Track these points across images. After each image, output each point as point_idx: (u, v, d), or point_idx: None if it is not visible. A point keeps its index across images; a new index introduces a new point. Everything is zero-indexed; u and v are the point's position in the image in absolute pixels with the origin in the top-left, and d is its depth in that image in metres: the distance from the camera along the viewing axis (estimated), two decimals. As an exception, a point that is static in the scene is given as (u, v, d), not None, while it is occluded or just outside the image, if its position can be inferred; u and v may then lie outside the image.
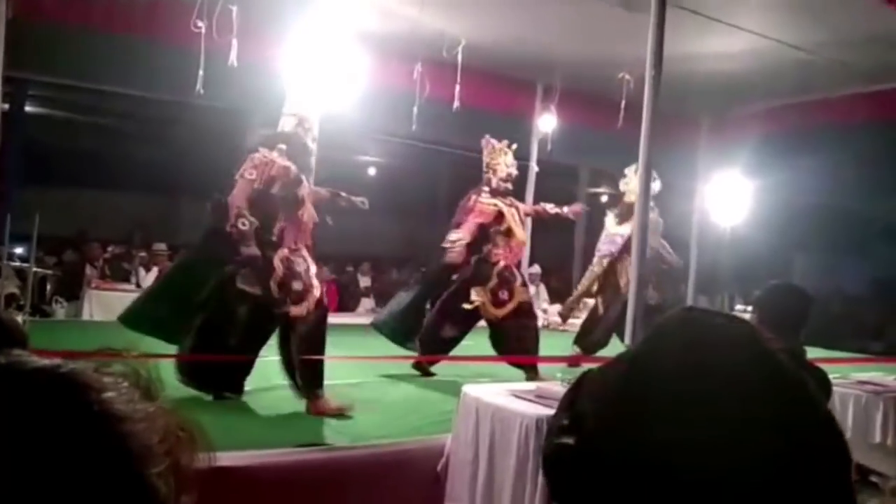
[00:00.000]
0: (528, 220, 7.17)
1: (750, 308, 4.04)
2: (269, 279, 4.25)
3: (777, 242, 11.84)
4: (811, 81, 8.22)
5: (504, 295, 5.75)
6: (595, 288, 6.77)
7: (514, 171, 6.09)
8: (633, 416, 0.57)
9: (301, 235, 4.44)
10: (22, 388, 0.51)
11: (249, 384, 4.62)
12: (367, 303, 11.01)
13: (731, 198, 9.46)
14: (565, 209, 6.39)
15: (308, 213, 4.47)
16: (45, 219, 7.02)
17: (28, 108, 10.27)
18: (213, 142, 10.61)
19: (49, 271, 8.61)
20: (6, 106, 9.90)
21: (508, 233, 5.87)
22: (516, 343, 5.70)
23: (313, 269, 4.50)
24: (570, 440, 0.60)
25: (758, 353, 0.60)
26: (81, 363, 0.54)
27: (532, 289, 7.57)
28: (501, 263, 5.80)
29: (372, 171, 13.83)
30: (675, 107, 8.69)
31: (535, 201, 7.82)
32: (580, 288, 6.97)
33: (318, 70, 6.06)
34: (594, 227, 10.11)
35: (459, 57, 6.65)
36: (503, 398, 3.37)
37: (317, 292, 4.43)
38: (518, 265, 6.33)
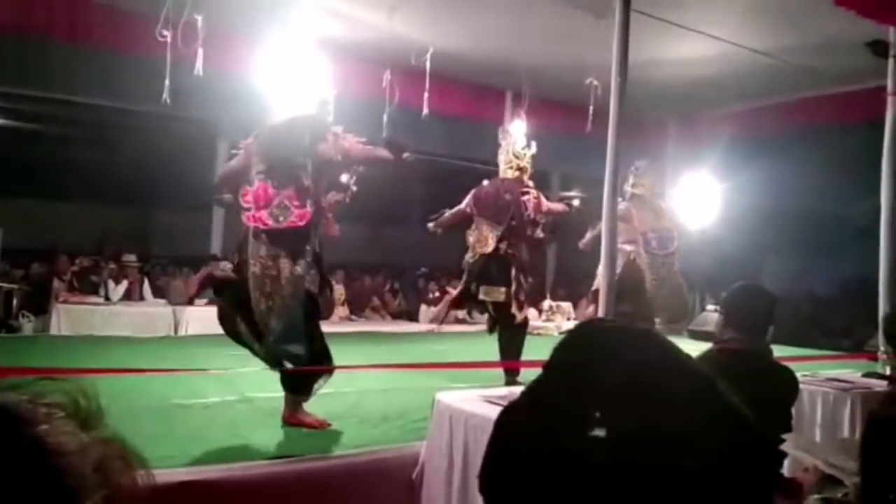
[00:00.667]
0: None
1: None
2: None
3: (747, 244, 11.98)
4: (777, 85, 8.37)
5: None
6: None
7: None
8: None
9: None
10: None
11: (218, 395, 4.59)
12: (340, 311, 10.96)
13: (701, 200, 9.56)
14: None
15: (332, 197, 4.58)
16: (12, 231, 6.92)
17: (-8, 120, 10.11)
18: (182, 152, 10.52)
19: (14, 285, 8.45)
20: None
21: None
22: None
23: None
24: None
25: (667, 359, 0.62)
26: (14, 396, 0.53)
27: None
28: None
29: (343, 178, 13.78)
30: (642, 111, 8.80)
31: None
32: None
33: (286, 78, 6.03)
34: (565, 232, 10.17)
35: (428, 64, 6.66)
36: (476, 404, 3.37)
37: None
38: None
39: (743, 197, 10.21)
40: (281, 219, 3.97)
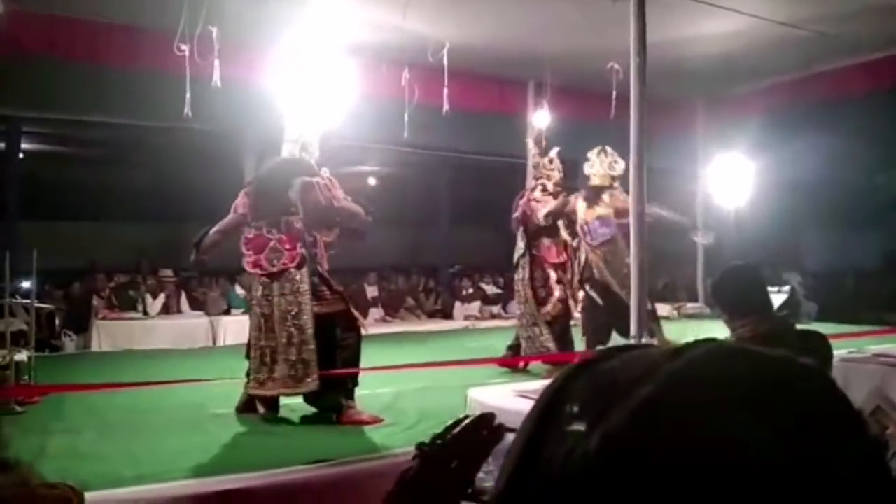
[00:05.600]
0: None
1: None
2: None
3: (784, 221, 11.74)
4: (804, 57, 8.15)
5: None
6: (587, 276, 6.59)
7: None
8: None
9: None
10: None
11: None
12: (375, 312, 10.98)
13: (734, 179, 9.38)
14: None
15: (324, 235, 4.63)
16: (50, 253, 7.04)
17: (24, 146, 10.31)
18: (208, 164, 10.62)
19: (52, 306, 8.63)
20: (2, 145, 9.98)
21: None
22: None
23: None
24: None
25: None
26: None
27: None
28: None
29: (372, 181, 13.82)
30: (668, 92, 8.64)
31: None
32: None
33: (308, 86, 6.05)
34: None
35: (445, 60, 6.62)
36: (509, 399, 3.33)
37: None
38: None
39: (777, 173, 10.00)
40: (275, 262, 4.34)
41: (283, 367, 4.25)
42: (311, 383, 4.21)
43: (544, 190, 6.53)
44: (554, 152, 6.71)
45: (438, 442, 1.00)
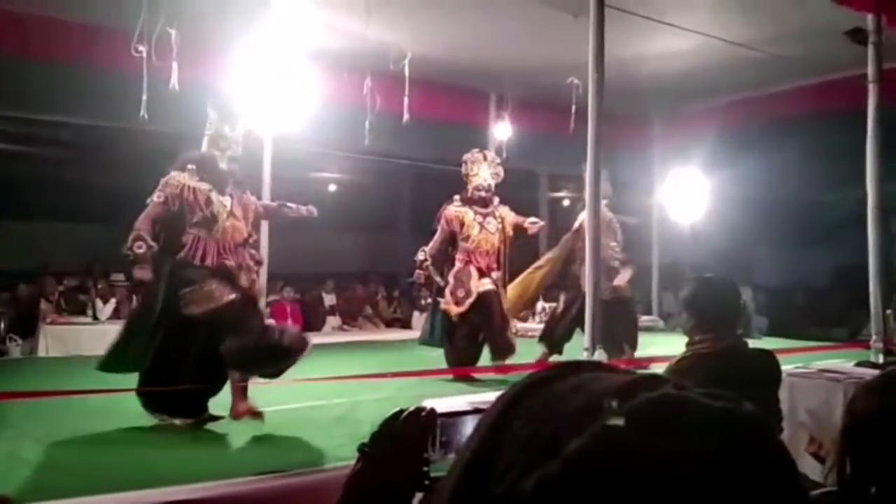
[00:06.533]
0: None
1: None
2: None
3: (737, 236, 11.98)
4: (759, 76, 8.35)
5: (461, 293, 6.12)
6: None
7: (491, 181, 6.35)
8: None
9: (225, 251, 4.45)
10: None
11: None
12: (332, 321, 10.90)
13: (689, 195, 9.55)
14: (536, 227, 6.57)
15: (229, 229, 4.48)
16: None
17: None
18: (163, 167, 10.43)
19: (1, 309, 8.39)
20: (-50, 142, 9.69)
21: (467, 239, 6.23)
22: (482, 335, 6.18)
23: (244, 281, 4.52)
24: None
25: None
26: None
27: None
28: (458, 266, 6.23)
29: (332, 188, 13.76)
30: (625, 107, 8.78)
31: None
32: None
33: (265, 89, 6.01)
34: (558, 232, 10.16)
35: (407, 69, 6.63)
36: (464, 409, 3.32)
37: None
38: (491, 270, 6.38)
39: (731, 190, 10.21)
40: None
41: None
42: None
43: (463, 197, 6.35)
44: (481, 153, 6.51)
45: (378, 440, 1.00)
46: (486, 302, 6.11)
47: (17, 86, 6.95)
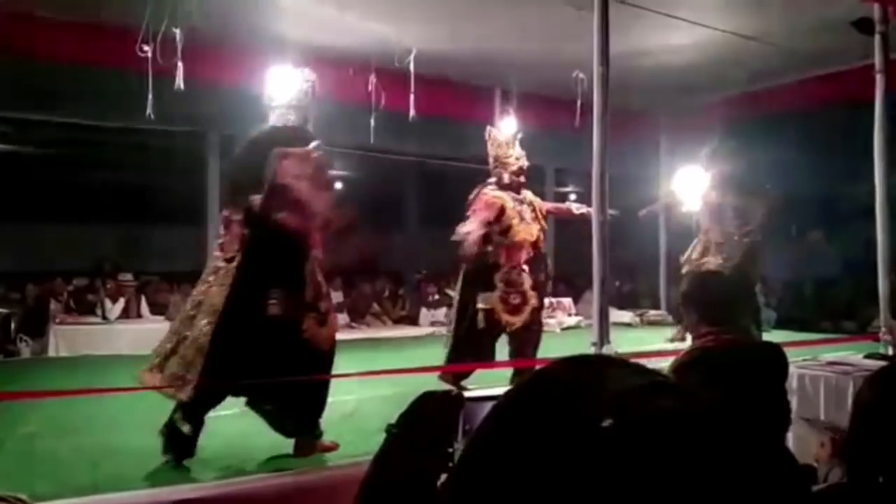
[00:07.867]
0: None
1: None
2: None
3: (746, 230, 11.91)
4: (766, 69, 8.31)
5: (516, 300, 5.33)
6: None
7: (525, 163, 5.67)
8: None
9: None
10: None
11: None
12: (340, 318, 10.90)
13: (696, 188, 9.50)
14: (585, 209, 5.52)
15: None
16: (5, 255, 6.89)
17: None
18: (171, 166, 10.48)
19: (7, 310, 8.44)
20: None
21: (507, 231, 5.41)
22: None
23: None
24: None
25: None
26: None
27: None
28: (502, 264, 5.39)
29: (338, 186, 13.77)
30: (631, 102, 8.76)
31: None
32: None
33: (272, 87, 6.00)
34: (561, 229, 10.15)
35: (412, 66, 6.62)
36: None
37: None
38: (531, 265, 5.59)
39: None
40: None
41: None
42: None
43: (500, 182, 5.62)
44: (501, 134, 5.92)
45: (406, 421, 1.03)
46: (534, 326, 5.42)
47: (15, 87, 6.98)
